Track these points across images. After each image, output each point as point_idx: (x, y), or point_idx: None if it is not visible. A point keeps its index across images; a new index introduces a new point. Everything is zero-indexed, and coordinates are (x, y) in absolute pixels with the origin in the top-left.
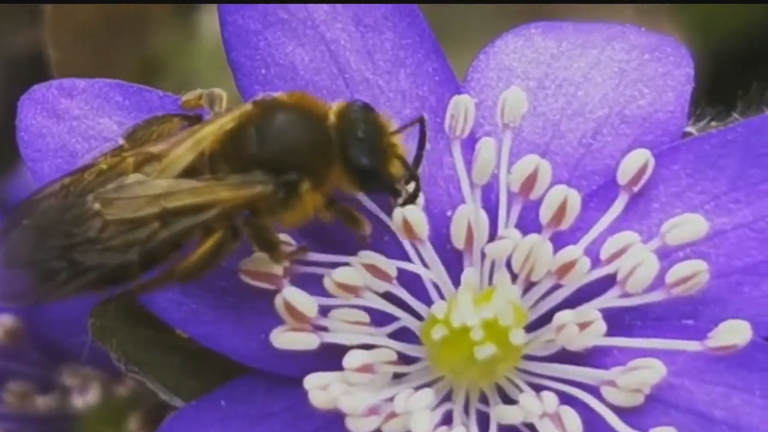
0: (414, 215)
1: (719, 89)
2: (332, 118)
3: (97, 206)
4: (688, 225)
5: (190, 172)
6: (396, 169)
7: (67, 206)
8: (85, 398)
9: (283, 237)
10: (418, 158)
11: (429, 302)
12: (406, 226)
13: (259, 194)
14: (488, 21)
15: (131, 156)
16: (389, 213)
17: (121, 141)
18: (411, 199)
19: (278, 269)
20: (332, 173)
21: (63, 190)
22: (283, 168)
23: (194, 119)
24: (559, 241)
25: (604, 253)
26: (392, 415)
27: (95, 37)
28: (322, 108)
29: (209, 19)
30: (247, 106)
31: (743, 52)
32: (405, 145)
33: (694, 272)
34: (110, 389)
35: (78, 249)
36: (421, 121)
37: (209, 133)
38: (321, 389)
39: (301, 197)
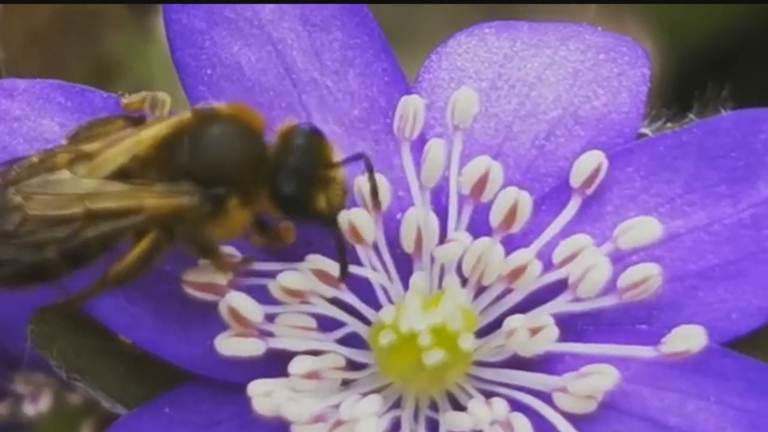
0: (361, 219)
1: (685, 90)
2: (275, 137)
3: (18, 199)
4: (641, 228)
5: (122, 175)
6: (323, 204)
7: None
8: (37, 406)
9: (228, 249)
10: (373, 191)
11: (378, 307)
12: (353, 230)
13: (185, 205)
14: (449, 21)
15: (64, 152)
16: None
17: (63, 142)
18: (341, 257)
19: (222, 279)
20: (261, 193)
21: None
22: (211, 181)
23: (138, 121)
24: (511, 245)
25: (557, 257)
26: (339, 422)
27: (46, 38)
28: (260, 123)
29: None
30: (185, 115)
31: (711, 54)
32: (346, 176)
33: (647, 276)
34: (63, 397)
35: None
36: (362, 156)
37: (145, 137)
38: (265, 396)
39: (228, 213)
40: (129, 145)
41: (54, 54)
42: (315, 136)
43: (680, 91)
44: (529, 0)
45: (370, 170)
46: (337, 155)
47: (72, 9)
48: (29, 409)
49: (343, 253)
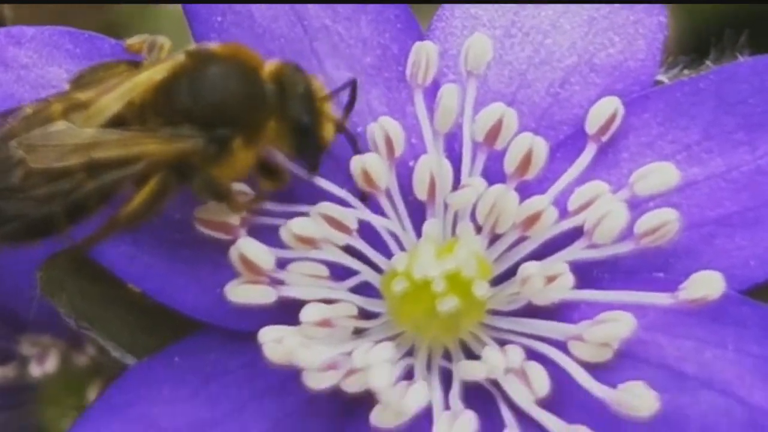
0: (374, 164)
1: (702, 39)
2: (267, 74)
3: (20, 153)
4: (658, 174)
5: (118, 121)
6: (327, 132)
7: None
8: (44, 367)
9: (240, 186)
10: (346, 115)
11: (390, 255)
12: (365, 175)
13: (189, 149)
14: None
15: (58, 102)
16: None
17: (66, 87)
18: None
19: (234, 218)
20: (267, 130)
21: None
22: (214, 123)
23: (139, 65)
24: (526, 192)
25: (572, 204)
26: (351, 371)
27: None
28: (257, 62)
29: None
30: (180, 57)
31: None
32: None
33: (664, 222)
34: (69, 358)
35: (1, 196)
36: (352, 83)
37: (140, 82)
38: (276, 342)
39: (233, 153)
40: (124, 91)
41: (60, 16)
42: (302, 70)
43: (697, 40)
44: None
45: (353, 97)
46: (324, 89)
47: None
48: (36, 371)
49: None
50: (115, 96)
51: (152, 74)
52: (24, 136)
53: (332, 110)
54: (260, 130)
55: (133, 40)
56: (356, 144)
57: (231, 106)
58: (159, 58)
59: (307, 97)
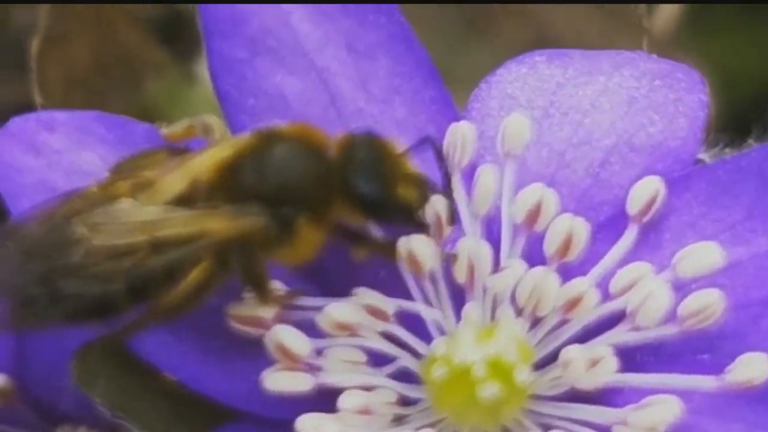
0: (421, 247)
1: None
2: (333, 148)
3: (82, 230)
4: (701, 254)
5: (183, 200)
6: (407, 191)
7: (51, 229)
8: None
9: (275, 283)
10: (446, 174)
11: (429, 340)
12: (412, 259)
13: (252, 227)
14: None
15: (123, 180)
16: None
17: (106, 175)
18: (449, 217)
19: (268, 313)
20: (335, 206)
21: (48, 212)
22: (278, 201)
23: (181, 152)
24: (567, 275)
25: (614, 287)
26: None
27: (86, 85)
28: (323, 138)
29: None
30: (246, 136)
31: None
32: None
33: (708, 303)
34: None
35: (59, 274)
36: (429, 140)
37: (204, 161)
38: (315, 431)
39: (298, 233)
40: (189, 169)
41: (94, 100)
42: (371, 134)
43: (739, 119)
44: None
45: (439, 151)
46: (401, 146)
47: (111, 53)
48: None
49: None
50: (180, 174)
51: (217, 152)
52: (87, 214)
53: (411, 167)
54: (326, 208)
55: (175, 128)
56: (451, 198)
57: (293, 184)
58: (219, 138)
59: (368, 164)
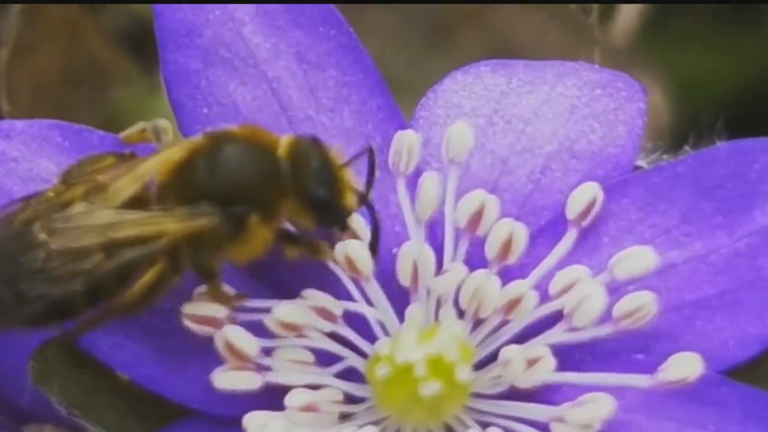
0: (357, 252)
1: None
2: (283, 150)
3: (42, 236)
4: (636, 258)
5: (136, 202)
6: (350, 201)
7: (13, 235)
8: None
9: (226, 287)
10: (369, 186)
11: (375, 340)
12: (350, 263)
13: (205, 226)
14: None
15: (78, 185)
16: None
17: (56, 182)
18: (374, 238)
19: (221, 312)
20: (284, 207)
21: (8, 218)
22: (231, 200)
23: (129, 157)
24: (507, 277)
25: (553, 288)
26: None
27: (54, 94)
28: (273, 140)
29: None
30: (197, 138)
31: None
32: (355, 178)
33: (641, 305)
34: None
35: (23, 278)
36: (369, 150)
37: (155, 163)
38: (260, 428)
39: (250, 230)
40: (142, 171)
41: (61, 108)
42: (318, 141)
43: (676, 125)
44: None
45: (372, 163)
46: (343, 156)
47: (78, 63)
48: None
49: (376, 233)
50: (132, 177)
51: (168, 155)
52: (45, 219)
53: (352, 179)
54: (277, 207)
55: (129, 131)
56: (375, 213)
57: (246, 183)
58: (171, 141)
59: (322, 170)
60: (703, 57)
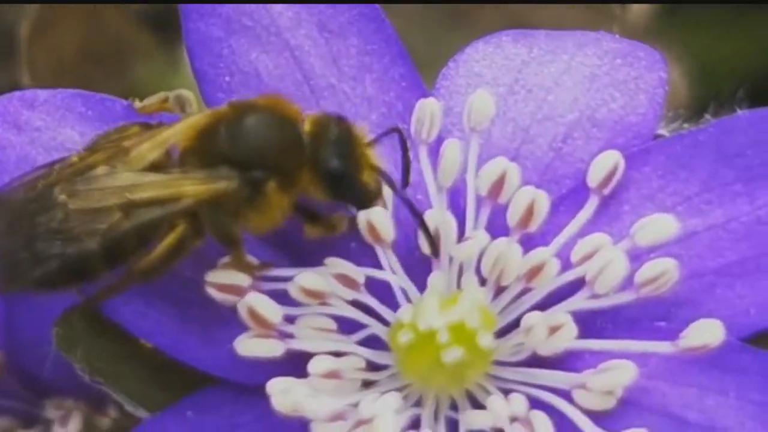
0: (379, 218)
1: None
2: (306, 124)
3: (62, 197)
4: (657, 225)
5: (157, 167)
6: (368, 178)
7: (34, 197)
8: (67, 430)
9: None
10: (406, 169)
11: (397, 308)
12: (371, 229)
13: (224, 189)
14: None
15: (102, 150)
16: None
17: (74, 157)
18: (425, 232)
19: (244, 281)
20: (302, 177)
21: (32, 182)
22: (250, 165)
23: (154, 127)
24: (529, 245)
25: (575, 256)
26: (359, 422)
27: (74, 70)
28: (296, 112)
29: None
30: (221, 107)
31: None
32: (381, 157)
33: (663, 271)
34: (92, 421)
35: (41, 238)
36: (397, 130)
37: (178, 130)
38: (283, 393)
39: (267, 197)
40: (165, 137)
41: (81, 84)
42: (343, 119)
43: (697, 94)
44: None
45: (404, 143)
46: (369, 136)
47: (99, 39)
48: None
49: (417, 214)
50: (156, 142)
51: (193, 122)
52: (67, 182)
53: (375, 158)
54: (295, 176)
55: (150, 101)
56: (396, 189)
57: (265, 149)
58: (194, 110)
59: (339, 143)
60: (721, 41)
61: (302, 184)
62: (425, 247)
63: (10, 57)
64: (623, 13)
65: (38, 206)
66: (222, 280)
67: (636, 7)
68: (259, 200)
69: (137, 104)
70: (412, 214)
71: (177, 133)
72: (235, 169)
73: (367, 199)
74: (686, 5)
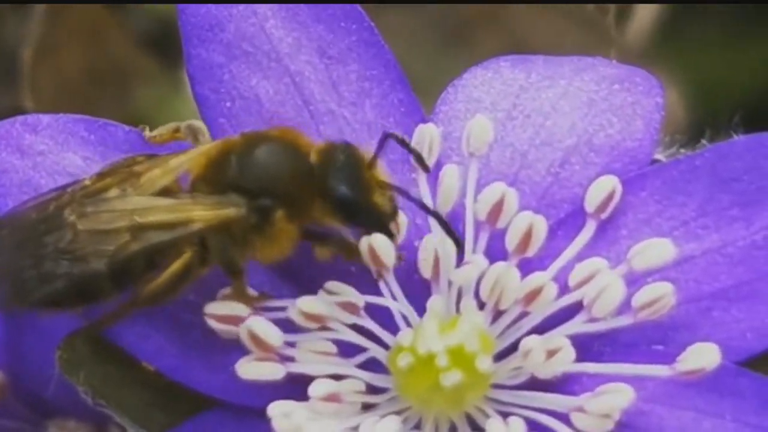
0: (381, 243)
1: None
2: (312, 154)
3: (72, 218)
4: (654, 249)
5: (167, 193)
6: (380, 198)
7: (45, 218)
8: None
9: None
10: (417, 157)
11: (397, 331)
12: (373, 254)
13: (232, 215)
14: None
15: (114, 173)
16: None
17: (87, 181)
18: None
19: (243, 311)
20: (313, 207)
21: (44, 204)
22: (258, 193)
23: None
24: (527, 269)
25: (572, 280)
26: None
27: (77, 93)
28: (307, 144)
29: None
30: (233, 137)
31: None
32: (387, 176)
33: (660, 295)
34: None
35: (49, 257)
36: (392, 135)
37: (189, 158)
38: (284, 417)
39: (276, 225)
40: (175, 165)
41: (84, 107)
42: (350, 145)
43: (693, 123)
44: None
45: (406, 144)
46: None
47: (101, 63)
48: None
49: (447, 226)
50: (167, 169)
51: (204, 150)
52: (77, 204)
53: (383, 177)
54: (304, 206)
55: (161, 131)
56: (407, 195)
57: (273, 177)
58: (207, 139)
59: (346, 169)
60: (719, 60)
61: (314, 214)
62: (427, 268)
63: (13, 80)
64: (621, 36)
65: (48, 226)
66: (222, 311)
67: (633, 31)
68: (267, 229)
69: (147, 134)
70: (429, 213)
71: (188, 161)
72: (243, 197)
73: (383, 220)
74: (683, 28)
